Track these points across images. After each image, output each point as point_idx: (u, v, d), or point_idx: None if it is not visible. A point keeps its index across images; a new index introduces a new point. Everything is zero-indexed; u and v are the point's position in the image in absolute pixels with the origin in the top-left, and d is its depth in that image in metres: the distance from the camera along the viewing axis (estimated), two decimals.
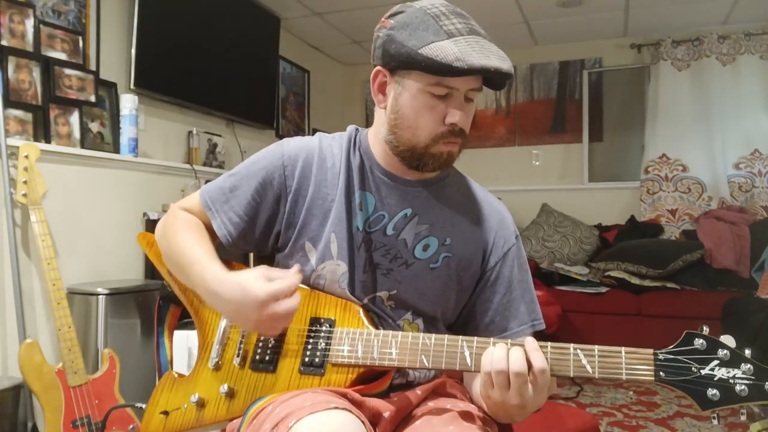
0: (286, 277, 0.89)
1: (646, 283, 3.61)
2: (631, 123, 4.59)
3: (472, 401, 1.04)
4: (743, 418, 0.79)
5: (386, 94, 0.99)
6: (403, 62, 0.92)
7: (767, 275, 3.28)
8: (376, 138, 1.05)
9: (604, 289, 3.66)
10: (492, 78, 0.93)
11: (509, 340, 0.87)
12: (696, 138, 4.25)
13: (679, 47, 4.31)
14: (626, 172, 4.58)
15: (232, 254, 1.12)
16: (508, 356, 0.82)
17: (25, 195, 2.15)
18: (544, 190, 4.66)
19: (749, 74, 4.16)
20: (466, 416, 0.95)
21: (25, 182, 2.15)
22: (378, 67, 0.99)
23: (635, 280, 3.63)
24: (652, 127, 4.37)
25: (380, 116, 1.03)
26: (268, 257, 1.13)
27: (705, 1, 3.84)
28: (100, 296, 2.28)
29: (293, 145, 1.07)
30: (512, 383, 0.82)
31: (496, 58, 0.90)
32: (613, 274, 3.72)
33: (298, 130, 4.55)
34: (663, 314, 3.47)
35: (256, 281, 0.87)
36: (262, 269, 0.91)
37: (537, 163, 4.77)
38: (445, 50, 0.88)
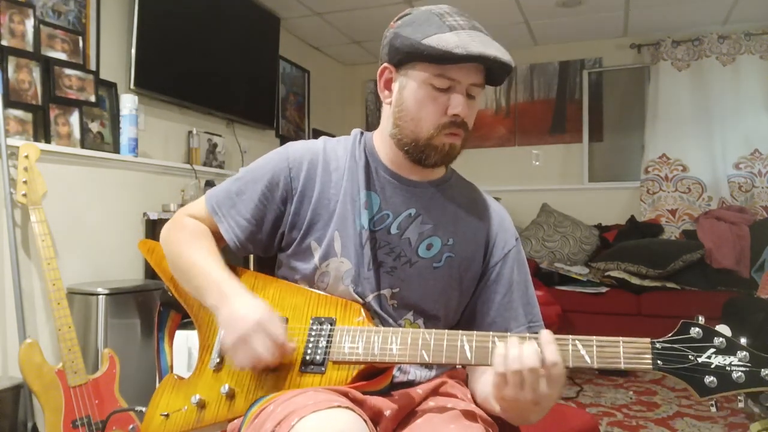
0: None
1: (646, 283, 3.61)
2: (631, 123, 4.59)
3: (474, 403, 1.04)
4: (741, 405, 0.81)
5: (392, 90, 1.03)
6: (407, 53, 0.97)
7: (767, 275, 3.28)
8: (381, 138, 1.08)
9: (604, 289, 3.66)
10: (492, 69, 0.97)
11: (527, 334, 0.87)
12: (696, 138, 4.25)
13: (679, 47, 4.31)
14: (626, 172, 4.58)
15: (234, 257, 1.13)
16: (521, 353, 0.82)
17: (25, 195, 2.15)
18: (544, 190, 4.66)
19: (749, 74, 4.16)
20: (468, 415, 0.95)
21: (25, 182, 2.15)
22: (384, 64, 1.03)
23: (635, 280, 3.63)
24: (652, 127, 4.37)
25: (386, 112, 1.07)
26: (270, 259, 1.13)
27: (705, 1, 3.84)
28: (100, 296, 2.29)
29: (298, 147, 1.09)
30: (526, 379, 0.81)
31: (494, 49, 0.94)
32: (613, 274, 3.72)
33: (298, 130, 4.54)
34: (663, 314, 3.46)
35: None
36: None
37: (537, 163, 4.77)
38: (446, 39, 0.93)
